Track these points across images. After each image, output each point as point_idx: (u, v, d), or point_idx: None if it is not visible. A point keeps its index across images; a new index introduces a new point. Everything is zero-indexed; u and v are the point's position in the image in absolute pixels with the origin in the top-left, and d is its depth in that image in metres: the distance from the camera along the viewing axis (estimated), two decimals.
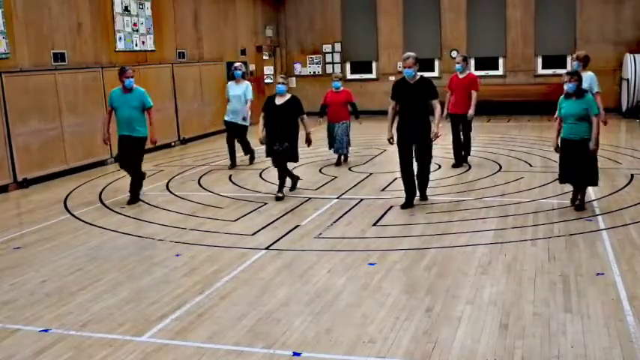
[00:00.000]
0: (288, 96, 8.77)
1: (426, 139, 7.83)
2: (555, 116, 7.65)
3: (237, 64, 11.57)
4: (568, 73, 7.32)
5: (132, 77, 8.67)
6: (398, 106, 7.92)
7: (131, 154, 8.71)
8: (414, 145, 7.86)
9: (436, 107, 7.90)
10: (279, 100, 8.74)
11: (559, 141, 7.63)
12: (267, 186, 9.70)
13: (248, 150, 11.57)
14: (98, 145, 12.08)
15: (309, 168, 11.09)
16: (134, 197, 8.83)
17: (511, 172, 10.06)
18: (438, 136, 7.91)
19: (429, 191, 8.39)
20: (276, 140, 8.62)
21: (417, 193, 8.20)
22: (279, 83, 8.84)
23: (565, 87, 7.33)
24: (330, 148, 11.50)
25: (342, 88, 11.39)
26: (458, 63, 10.47)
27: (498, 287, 5.29)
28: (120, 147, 8.87)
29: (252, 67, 18.39)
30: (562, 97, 7.48)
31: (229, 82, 11.58)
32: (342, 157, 11.42)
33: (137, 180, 8.86)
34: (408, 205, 8.00)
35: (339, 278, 5.64)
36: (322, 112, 11.42)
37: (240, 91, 11.20)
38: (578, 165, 7.38)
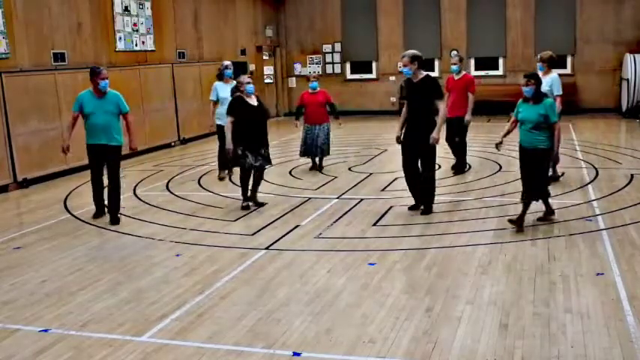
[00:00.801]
0: (255, 97, 8.29)
1: (428, 141, 7.50)
2: (511, 114, 7.18)
3: (227, 63, 10.72)
4: (525, 76, 6.84)
5: (107, 79, 7.77)
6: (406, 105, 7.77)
7: (109, 165, 7.85)
8: (416, 147, 7.60)
9: (439, 109, 7.54)
10: (252, 101, 8.21)
11: (503, 139, 7.22)
12: (267, 186, 9.69)
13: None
14: None
15: (307, 169, 11.09)
16: (116, 215, 7.84)
17: (511, 172, 10.05)
18: (436, 142, 7.52)
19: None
20: (256, 147, 8.14)
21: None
22: (248, 83, 8.23)
23: (523, 91, 6.85)
24: (304, 154, 10.85)
25: (318, 89, 10.84)
26: (454, 64, 10.05)
27: (498, 287, 5.29)
28: (94, 158, 7.90)
29: (252, 67, 18.39)
30: (521, 100, 6.96)
31: (217, 83, 10.41)
32: (320, 161, 10.89)
33: (118, 193, 7.91)
34: (414, 206, 7.85)
35: (339, 278, 5.63)
36: (298, 114, 10.84)
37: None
38: (529, 176, 6.90)
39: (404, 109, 7.80)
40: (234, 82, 9.94)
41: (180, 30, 15.33)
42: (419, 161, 7.68)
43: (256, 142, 8.17)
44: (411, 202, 7.96)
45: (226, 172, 10.30)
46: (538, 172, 6.85)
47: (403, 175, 7.89)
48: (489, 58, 18.93)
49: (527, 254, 6.09)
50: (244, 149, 8.08)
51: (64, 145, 8.16)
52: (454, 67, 10.18)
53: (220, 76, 10.42)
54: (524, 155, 6.93)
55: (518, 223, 6.84)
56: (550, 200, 7.16)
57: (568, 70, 18.40)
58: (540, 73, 8.70)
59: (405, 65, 7.56)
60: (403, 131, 7.77)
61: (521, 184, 7.09)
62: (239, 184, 8.44)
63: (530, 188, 6.88)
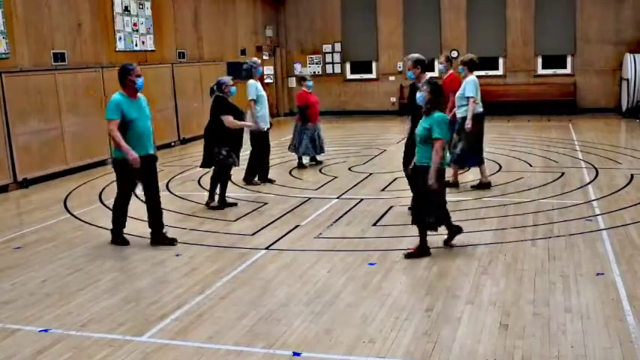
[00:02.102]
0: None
1: None
2: None
3: (258, 60, 10.30)
4: (422, 84, 6.29)
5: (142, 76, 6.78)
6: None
7: (153, 177, 6.91)
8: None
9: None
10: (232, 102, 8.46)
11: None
12: (267, 186, 9.69)
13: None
14: (98, 145, 12.14)
15: (309, 168, 11.09)
16: (163, 233, 6.97)
17: (511, 172, 10.06)
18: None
19: None
20: (239, 148, 8.43)
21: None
22: (232, 85, 8.41)
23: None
24: (304, 153, 11.04)
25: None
26: (441, 63, 9.74)
27: (498, 287, 5.29)
28: (141, 172, 6.67)
29: None
30: None
31: (253, 81, 9.76)
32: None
33: (160, 208, 7.04)
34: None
35: (339, 278, 5.63)
36: (305, 114, 10.97)
37: None
38: (414, 196, 6.35)
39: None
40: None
41: (180, 30, 15.33)
42: None
43: (239, 143, 8.46)
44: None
45: (257, 177, 9.90)
46: (419, 192, 6.19)
47: (404, 176, 7.79)
48: (489, 58, 18.91)
49: (527, 254, 6.09)
50: (230, 150, 8.22)
51: (136, 159, 6.49)
52: (441, 67, 10.12)
53: (249, 75, 9.87)
54: (413, 171, 6.32)
55: (417, 252, 6.12)
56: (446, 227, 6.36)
57: (568, 70, 18.41)
58: (461, 76, 8.82)
59: (409, 69, 7.55)
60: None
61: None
62: (210, 183, 8.51)
63: (413, 209, 6.23)
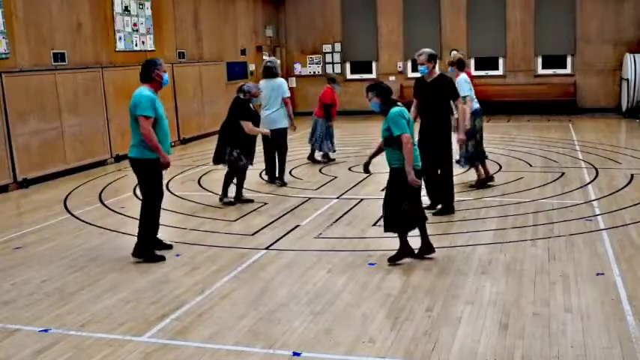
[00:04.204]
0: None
1: (441, 142, 7.31)
2: None
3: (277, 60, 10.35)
4: (365, 89, 6.01)
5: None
6: (417, 104, 7.58)
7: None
8: (432, 146, 7.28)
9: (458, 109, 7.52)
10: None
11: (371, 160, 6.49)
12: (267, 186, 9.69)
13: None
14: (98, 145, 12.15)
15: (309, 168, 11.10)
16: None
17: (511, 172, 10.06)
18: (463, 142, 7.53)
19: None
20: (252, 150, 8.53)
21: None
22: (256, 96, 8.63)
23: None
24: (323, 149, 11.48)
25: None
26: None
27: (498, 287, 5.29)
28: (160, 173, 6.40)
29: (252, 67, 18.40)
30: None
31: (282, 79, 9.73)
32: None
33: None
34: (431, 206, 7.59)
35: (339, 278, 5.63)
36: (329, 112, 11.34)
37: None
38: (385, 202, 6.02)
39: (413, 108, 7.53)
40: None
41: (180, 30, 15.32)
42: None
43: (252, 145, 8.47)
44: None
45: (277, 181, 9.74)
46: (388, 196, 5.94)
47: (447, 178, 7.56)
48: (489, 58, 18.93)
49: (527, 254, 6.09)
50: (241, 152, 8.27)
51: (169, 161, 6.27)
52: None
53: (273, 74, 9.62)
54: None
55: (398, 255, 5.96)
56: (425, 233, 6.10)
57: (568, 70, 18.42)
58: (452, 76, 8.79)
59: (421, 64, 7.35)
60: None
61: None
62: (224, 180, 8.58)
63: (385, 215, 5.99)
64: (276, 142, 9.55)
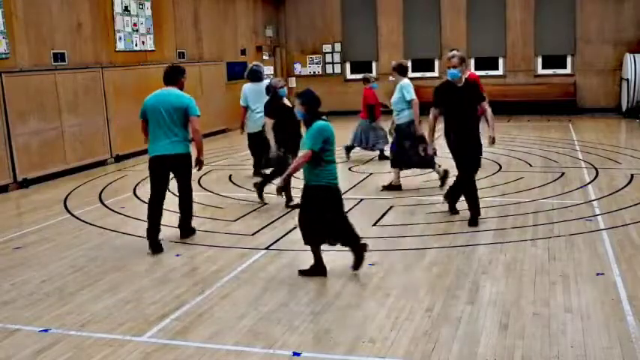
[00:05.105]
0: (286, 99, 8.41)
1: (475, 152, 7.03)
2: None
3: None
4: (295, 99, 5.73)
5: None
6: (439, 114, 7.09)
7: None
8: (476, 155, 7.08)
9: (487, 109, 7.17)
10: (287, 103, 8.30)
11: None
12: (266, 186, 9.67)
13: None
14: (98, 145, 12.15)
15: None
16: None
17: (511, 172, 10.06)
18: (495, 142, 7.34)
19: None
20: (296, 148, 8.07)
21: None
22: (282, 87, 8.32)
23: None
24: (367, 147, 11.49)
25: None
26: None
27: (498, 287, 5.28)
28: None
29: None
30: None
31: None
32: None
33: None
34: (474, 217, 7.17)
35: (339, 278, 5.63)
36: (373, 112, 11.36)
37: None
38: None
39: (432, 119, 7.13)
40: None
41: (180, 30, 15.32)
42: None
43: (296, 142, 8.13)
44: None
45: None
46: (307, 209, 5.66)
47: (467, 187, 7.17)
48: (489, 58, 18.92)
49: (527, 254, 6.09)
50: (286, 151, 8.07)
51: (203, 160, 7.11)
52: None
53: (259, 78, 9.97)
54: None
55: (309, 271, 5.76)
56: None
57: (568, 70, 18.41)
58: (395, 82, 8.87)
59: (454, 67, 6.83)
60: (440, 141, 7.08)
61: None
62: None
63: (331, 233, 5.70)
64: (263, 143, 9.45)
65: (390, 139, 9.48)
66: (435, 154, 7.75)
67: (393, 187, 9.02)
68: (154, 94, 6.84)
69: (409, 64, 11.03)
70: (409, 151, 8.75)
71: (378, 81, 19.86)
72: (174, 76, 6.87)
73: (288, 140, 8.05)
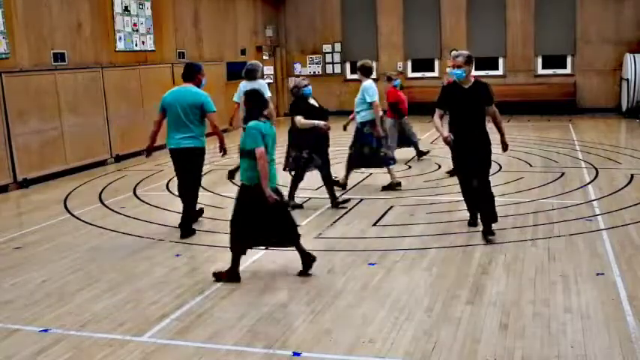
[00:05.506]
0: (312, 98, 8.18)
1: (485, 157, 6.64)
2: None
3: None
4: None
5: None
6: (443, 115, 6.77)
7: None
8: (471, 164, 6.66)
9: (496, 114, 6.73)
10: (313, 102, 8.11)
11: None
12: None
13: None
14: (98, 145, 12.15)
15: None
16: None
17: (511, 172, 10.06)
18: (507, 148, 6.91)
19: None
20: (323, 148, 8.10)
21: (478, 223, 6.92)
22: (306, 86, 8.07)
23: None
24: (403, 146, 11.20)
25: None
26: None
27: (498, 287, 5.29)
28: None
29: None
30: None
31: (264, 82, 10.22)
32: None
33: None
34: (473, 222, 7.05)
35: (339, 278, 5.63)
36: (398, 110, 11.09)
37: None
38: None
39: (436, 118, 6.75)
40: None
41: (180, 30, 15.32)
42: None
43: (320, 142, 8.04)
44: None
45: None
46: (237, 210, 5.78)
47: (462, 193, 6.98)
48: (489, 58, 18.92)
49: (527, 254, 6.09)
50: (310, 152, 7.96)
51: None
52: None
53: (254, 76, 9.89)
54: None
55: (224, 276, 5.69)
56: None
57: (568, 70, 18.41)
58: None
59: (458, 66, 6.48)
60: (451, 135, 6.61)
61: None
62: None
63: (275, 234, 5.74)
64: None
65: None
66: (449, 142, 6.90)
67: (337, 183, 9.06)
68: (172, 91, 7.24)
69: (373, 64, 11.03)
70: (362, 151, 8.87)
71: (379, 81, 20.04)
72: (188, 73, 7.22)
73: (314, 141, 7.95)
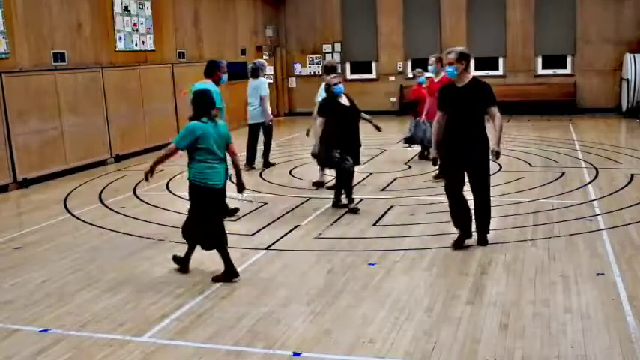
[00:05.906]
0: (345, 96, 7.99)
1: (482, 158, 6.30)
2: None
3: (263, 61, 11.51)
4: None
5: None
6: (445, 117, 6.35)
7: None
8: (465, 166, 6.31)
9: (496, 117, 6.34)
10: (344, 101, 7.96)
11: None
12: (267, 186, 9.69)
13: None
14: (98, 145, 12.15)
15: (311, 167, 11.09)
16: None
17: (511, 172, 10.06)
18: (499, 156, 6.38)
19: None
20: (353, 148, 7.96)
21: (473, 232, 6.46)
22: (337, 84, 7.90)
23: None
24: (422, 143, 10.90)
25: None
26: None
27: (498, 287, 5.28)
28: None
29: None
30: None
31: (264, 79, 11.14)
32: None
33: None
34: (459, 243, 6.31)
35: (339, 278, 5.63)
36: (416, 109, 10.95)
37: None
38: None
39: (436, 123, 6.47)
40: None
41: (180, 30, 15.32)
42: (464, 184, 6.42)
43: (351, 142, 7.92)
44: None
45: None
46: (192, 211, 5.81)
47: (448, 204, 6.52)
48: (489, 58, 18.92)
49: (527, 254, 6.09)
50: (343, 151, 7.78)
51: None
52: (430, 69, 9.77)
53: (255, 74, 11.03)
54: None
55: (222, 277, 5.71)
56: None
57: (568, 70, 18.41)
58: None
59: (449, 63, 6.16)
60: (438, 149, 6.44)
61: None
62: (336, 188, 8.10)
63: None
64: (255, 135, 11.02)
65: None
66: (434, 164, 6.99)
67: (317, 183, 9.33)
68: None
69: (337, 62, 11.24)
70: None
71: (379, 81, 20.06)
72: (209, 70, 7.72)
73: (345, 141, 7.80)
